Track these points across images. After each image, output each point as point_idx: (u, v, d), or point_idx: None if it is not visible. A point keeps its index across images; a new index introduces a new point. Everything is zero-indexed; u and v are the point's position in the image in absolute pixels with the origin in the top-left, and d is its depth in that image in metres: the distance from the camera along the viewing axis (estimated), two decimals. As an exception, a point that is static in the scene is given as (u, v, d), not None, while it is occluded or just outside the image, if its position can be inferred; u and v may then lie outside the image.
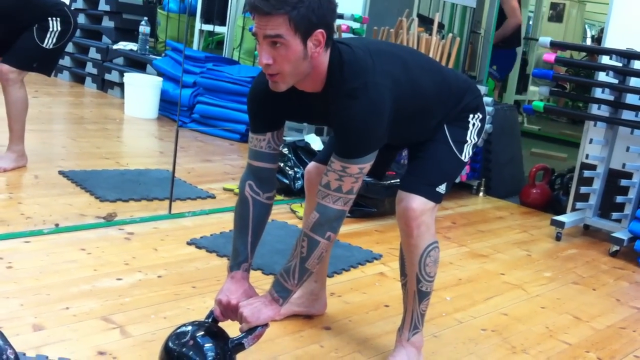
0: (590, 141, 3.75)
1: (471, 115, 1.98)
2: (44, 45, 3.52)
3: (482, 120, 2.01)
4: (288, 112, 1.88)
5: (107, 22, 6.89)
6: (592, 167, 3.84)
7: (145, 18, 6.43)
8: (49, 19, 3.52)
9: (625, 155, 3.68)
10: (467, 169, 4.36)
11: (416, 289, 1.96)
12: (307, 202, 2.25)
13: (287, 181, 3.81)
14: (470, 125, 1.97)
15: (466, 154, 1.97)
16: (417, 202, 1.86)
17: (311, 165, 2.20)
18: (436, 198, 1.90)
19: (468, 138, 1.97)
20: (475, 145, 2.01)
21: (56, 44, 3.57)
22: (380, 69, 1.73)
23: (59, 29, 3.54)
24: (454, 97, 1.95)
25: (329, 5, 1.63)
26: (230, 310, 1.82)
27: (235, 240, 1.93)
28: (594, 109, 3.88)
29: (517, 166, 5.00)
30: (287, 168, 3.86)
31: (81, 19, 7.15)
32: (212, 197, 3.60)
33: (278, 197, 3.67)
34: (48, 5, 3.57)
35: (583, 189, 3.82)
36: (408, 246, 1.92)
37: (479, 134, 2.00)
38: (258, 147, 1.89)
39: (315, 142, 4.08)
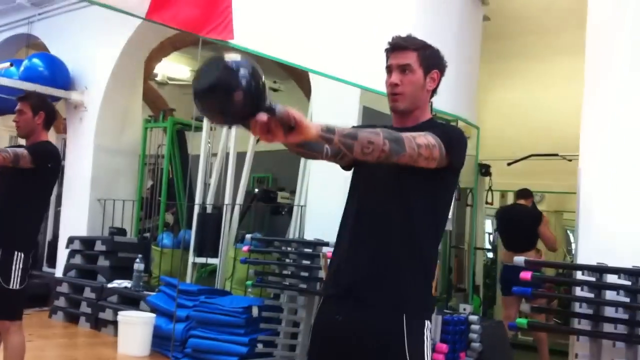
0: (576, 356, 3.80)
1: (427, 324, 1.98)
2: (10, 287, 3.54)
3: (430, 331, 2.03)
4: None
5: (102, 262, 7.13)
6: (584, 382, 3.85)
7: (140, 255, 6.67)
8: (16, 252, 3.57)
9: (612, 368, 3.72)
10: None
11: None
12: None
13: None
14: (425, 339, 1.97)
15: None
16: None
17: None
18: None
19: (426, 356, 1.96)
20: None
21: (21, 284, 3.58)
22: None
23: (21, 266, 3.58)
24: (431, 263, 2.07)
25: (443, 59, 2.16)
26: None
27: None
28: (576, 323, 3.97)
29: (512, 383, 4.97)
30: None
31: (77, 259, 7.41)
32: None
33: None
34: (26, 235, 3.68)
35: (577, 406, 3.79)
36: None
37: (431, 350, 2.01)
38: None
39: None
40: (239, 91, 1.56)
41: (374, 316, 1.95)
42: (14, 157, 3.51)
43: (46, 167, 3.70)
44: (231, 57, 1.62)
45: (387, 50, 2.14)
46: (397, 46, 2.11)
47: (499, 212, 6.93)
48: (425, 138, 1.91)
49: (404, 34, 2.15)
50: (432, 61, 2.12)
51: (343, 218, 2.12)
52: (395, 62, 2.09)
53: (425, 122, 2.12)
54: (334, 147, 1.80)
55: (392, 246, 1.96)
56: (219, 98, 1.59)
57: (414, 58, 2.08)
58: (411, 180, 1.97)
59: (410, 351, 1.93)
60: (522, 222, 6.29)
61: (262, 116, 1.59)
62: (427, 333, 1.98)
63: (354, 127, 1.93)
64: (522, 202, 6.47)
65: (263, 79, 1.62)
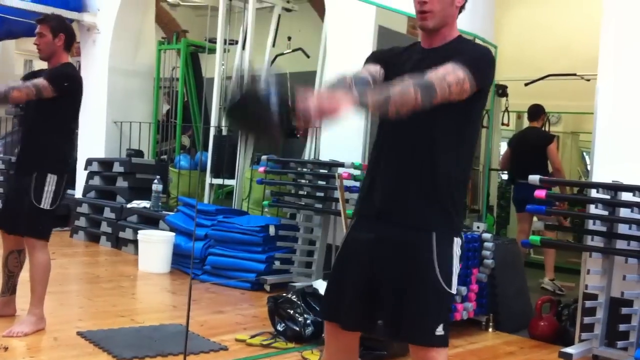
0: (588, 272, 3.87)
1: (456, 241, 2.06)
2: (41, 207, 3.68)
3: (462, 247, 2.11)
4: (397, 62, 2.12)
5: (121, 183, 7.24)
6: (594, 297, 3.92)
7: (158, 177, 6.76)
8: (49, 174, 3.70)
9: (623, 284, 3.79)
10: (473, 305, 4.44)
11: None
12: None
13: (297, 328, 3.90)
14: (454, 254, 2.05)
15: (454, 287, 2.05)
16: (437, 358, 1.98)
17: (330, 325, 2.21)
18: (446, 342, 2.02)
19: (454, 268, 2.04)
20: (458, 275, 2.08)
21: (52, 205, 3.73)
22: None
23: (53, 188, 3.71)
24: (462, 185, 2.11)
25: None
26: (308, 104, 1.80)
27: None
28: (589, 240, 4.03)
29: (524, 299, 5.06)
30: (296, 315, 3.96)
31: (96, 180, 7.53)
32: (225, 349, 3.69)
33: (289, 345, 3.75)
34: (60, 159, 3.80)
35: (587, 319, 3.88)
36: None
37: (460, 261, 2.09)
38: (364, 70, 2.12)
39: (323, 288, 4.20)
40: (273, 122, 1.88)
41: (404, 235, 2.02)
42: (37, 91, 3.62)
43: (65, 88, 3.74)
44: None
45: None
46: None
47: (512, 140, 6.96)
48: (455, 74, 1.91)
49: None
50: None
51: (376, 140, 2.15)
52: None
53: (453, 42, 2.10)
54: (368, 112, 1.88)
55: (417, 170, 2.00)
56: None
57: None
58: (438, 105, 1.95)
59: (439, 263, 2.00)
60: (532, 144, 6.37)
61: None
62: (456, 248, 2.06)
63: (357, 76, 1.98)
64: (534, 124, 6.53)
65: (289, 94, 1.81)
